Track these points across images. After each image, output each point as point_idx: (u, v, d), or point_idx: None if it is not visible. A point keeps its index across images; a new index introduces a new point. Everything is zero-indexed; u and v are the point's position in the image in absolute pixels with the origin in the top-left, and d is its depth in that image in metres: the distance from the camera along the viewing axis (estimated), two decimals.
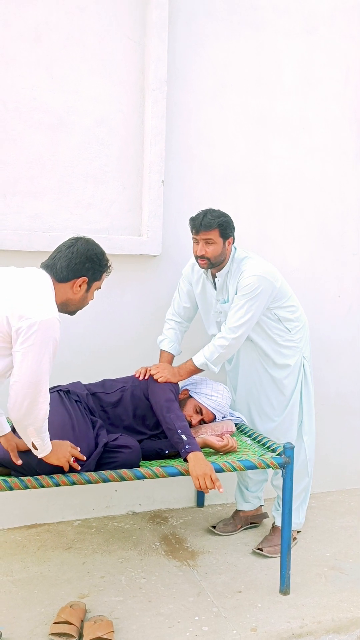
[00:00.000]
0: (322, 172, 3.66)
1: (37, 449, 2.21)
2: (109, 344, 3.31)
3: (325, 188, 3.68)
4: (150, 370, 2.87)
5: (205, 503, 3.58)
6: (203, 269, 2.96)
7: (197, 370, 2.91)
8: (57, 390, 2.70)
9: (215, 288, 2.98)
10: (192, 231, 2.87)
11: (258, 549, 3.03)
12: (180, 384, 2.99)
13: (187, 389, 2.96)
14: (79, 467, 2.37)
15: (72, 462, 2.33)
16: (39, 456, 2.24)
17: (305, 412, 3.09)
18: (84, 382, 2.92)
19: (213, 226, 2.79)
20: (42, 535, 3.14)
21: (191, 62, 3.33)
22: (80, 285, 2.25)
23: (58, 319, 2.09)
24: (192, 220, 2.86)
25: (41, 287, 2.15)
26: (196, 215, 2.85)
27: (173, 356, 3.12)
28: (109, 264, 2.34)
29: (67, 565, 2.85)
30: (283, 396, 3.05)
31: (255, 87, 3.47)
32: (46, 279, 2.21)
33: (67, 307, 2.29)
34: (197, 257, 2.88)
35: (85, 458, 2.39)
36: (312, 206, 3.66)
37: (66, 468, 2.32)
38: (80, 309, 2.35)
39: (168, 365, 2.94)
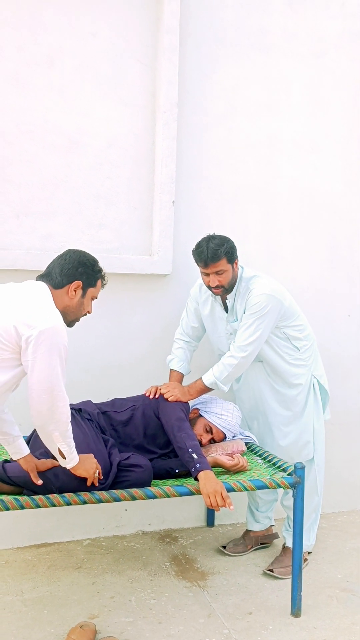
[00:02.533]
0: (330, 192, 3.69)
1: (64, 458, 2.22)
2: (118, 362, 3.33)
3: (334, 207, 3.70)
4: (160, 390, 2.88)
5: (215, 523, 3.56)
6: None
7: (206, 389, 2.91)
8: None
9: (227, 310, 2.99)
10: (199, 264, 2.86)
11: (269, 570, 3.01)
12: (190, 403, 3.00)
13: (197, 408, 2.96)
14: (98, 484, 2.38)
15: (97, 474, 2.35)
16: (67, 466, 2.26)
17: (315, 431, 3.08)
18: (93, 400, 2.94)
19: (220, 257, 2.79)
20: (52, 554, 3.13)
21: (201, 85, 3.38)
22: (75, 290, 2.29)
23: (64, 325, 2.15)
24: (198, 255, 2.83)
25: (43, 297, 2.21)
26: (199, 249, 2.82)
27: (182, 375, 3.13)
28: (102, 272, 2.38)
29: (77, 585, 2.84)
30: (293, 414, 3.05)
31: (265, 109, 3.52)
32: (44, 288, 2.26)
33: (66, 317, 2.30)
34: (210, 287, 2.88)
35: (102, 477, 2.40)
36: (321, 225, 3.69)
37: (91, 480, 2.34)
38: (78, 318, 2.37)
39: (178, 385, 2.95)
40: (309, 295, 3.64)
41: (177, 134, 3.30)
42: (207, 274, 2.85)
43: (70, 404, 2.76)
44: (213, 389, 2.92)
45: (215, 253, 2.78)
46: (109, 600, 2.73)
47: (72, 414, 2.65)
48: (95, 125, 3.22)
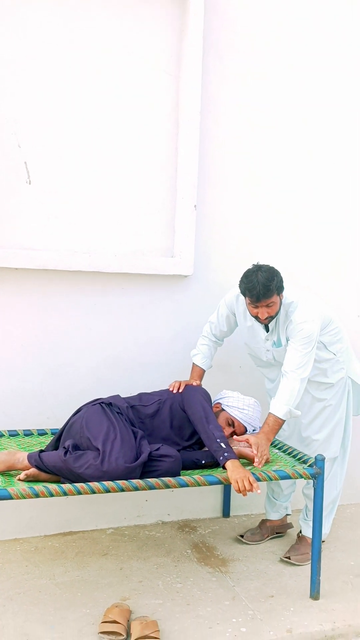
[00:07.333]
0: (336, 203, 3.85)
1: None
2: (143, 359, 3.47)
3: (340, 217, 3.87)
4: (256, 463, 2.74)
5: (231, 514, 3.71)
6: None
7: (282, 422, 2.85)
8: (99, 403, 2.86)
9: (267, 330, 3.04)
10: (247, 298, 2.85)
11: (286, 557, 3.16)
12: (212, 397, 3.14)
13: (219, 403, 3.10)
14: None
15: None
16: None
17: (345, 430, 3.22)
18: (120, 395, 3.08)
19: (273, 292, 2.80)
20: (78, 542, 3.27)
21: (223, 95, 3.52)
22: None
23: None
24: (249, 290, 2.80)
25: None
26: (250, 285, 2.79)
27: (204, 371, 3.27)
28: None
29: (106, 570, 2.98)
30: (327, 415, 3.14)
31: (287, 120, 3.66)
32: None
33: None
34: (258, 319, 2.91)
35: None
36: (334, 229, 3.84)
37: None
38: None
39: (257, 440, 2.80)
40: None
41: (200, 141, 3.44)
42: (256, 306, 2.86)
43: (100, 399, 2.93)
44: (286, 419, 2.86)
45: (267, 288, 2.77)
46: (137, 584, 2.87)
47: (101, 407, 2.81)
48: (122, 132, 3.36)
